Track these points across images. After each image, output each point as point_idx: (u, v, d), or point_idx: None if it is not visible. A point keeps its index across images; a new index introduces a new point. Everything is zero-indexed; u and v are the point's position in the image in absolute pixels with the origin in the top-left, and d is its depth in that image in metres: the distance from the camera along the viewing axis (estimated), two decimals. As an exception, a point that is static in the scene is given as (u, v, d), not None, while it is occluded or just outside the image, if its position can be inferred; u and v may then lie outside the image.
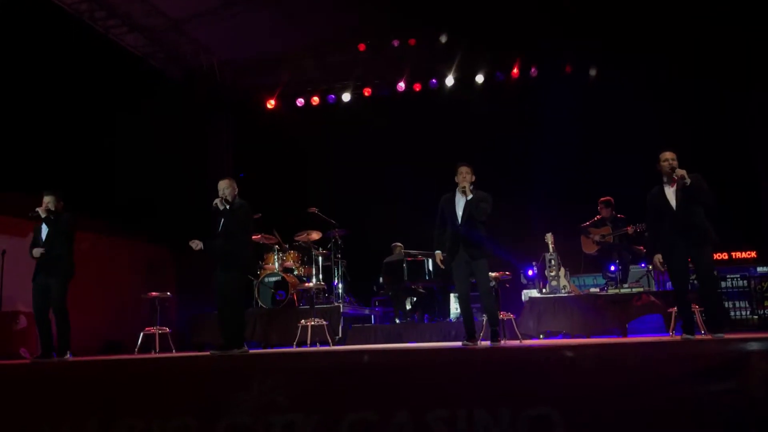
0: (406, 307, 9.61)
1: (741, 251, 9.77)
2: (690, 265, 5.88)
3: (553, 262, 8.33)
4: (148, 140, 10.21)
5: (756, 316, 8.38)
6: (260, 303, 9.17)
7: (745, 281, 8.59)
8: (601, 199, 8.88)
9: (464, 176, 6.19)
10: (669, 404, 3.57)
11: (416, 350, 5.42)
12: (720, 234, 5.81)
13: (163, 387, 4.29)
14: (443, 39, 10.73)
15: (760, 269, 9.16)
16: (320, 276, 9.53)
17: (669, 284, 7.17)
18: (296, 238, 9.69)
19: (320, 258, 9.58)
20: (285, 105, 11.88)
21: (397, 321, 9.30)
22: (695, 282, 6.53)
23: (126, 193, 10.02)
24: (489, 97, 10.94)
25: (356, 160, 11.03)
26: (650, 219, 6.05)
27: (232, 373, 4.27)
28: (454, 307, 9.66)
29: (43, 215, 6.65)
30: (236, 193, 6.47)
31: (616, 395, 3.66)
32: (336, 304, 9.04)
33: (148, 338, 7.97)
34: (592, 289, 8.51)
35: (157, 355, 7.40)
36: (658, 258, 5.88)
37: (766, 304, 8.39)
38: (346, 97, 11.64)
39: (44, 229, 6.70)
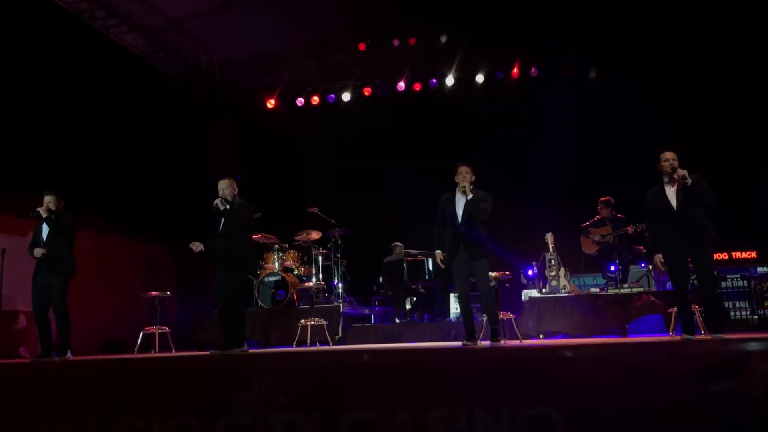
0: (405, 307, 9.61)
1: (741, 251, 9.78)
2: (690, 265, 5.88)
3: (553, 262, 8.33)
4: (148, 139, 10.21)
5: (756, 316, 8.38)
6: (260, 302, 9.17)
7: (745, 281, 8.60)
8: (601, 199, 8.88)
9: (464, 176, 6.19)
10: (669, 404, 3.57)
11: (416, 350, 5.42)
12: (720, 234, 5.81)
13: (163, 386, 4.29)
14: (443, 39, 10.74)
15: (760, 269, 9.16)
16: (320, 276, 9.53)
17: (669, 284, 7.18)
18: (296, 238, 9.69)
19: (320, 257, 9.58)
20: (285, 104, 11.88)
21: (397, 321, 9.30)
22: (695, 282, 6.54)
23: (126, 192, 10.01)
24: (489, 97, 10.94)
25: (356, 160, 11.02)
26: (650, 219, 6.05)
27: (232, 372, 4.27)
28: (454, 307, 9.66)
29: (44, 215, 6.64)
30: (236, 192, 6.47)
31: (616, 395, 3.66)
32: (336, 303, 9.04)
33: (148, 338, 7.97)
34: (592, 289, 8.51)
35: (157, 355, 7.40)
36: (658, 258, 5.88)
37: (766, 304, 8.40)
38: (346, 96, 11.64)
39: (45, 229, 6.69)
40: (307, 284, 9.02)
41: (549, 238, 8.40)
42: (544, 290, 8.43)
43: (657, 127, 9.72)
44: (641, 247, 8.53)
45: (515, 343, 7.04)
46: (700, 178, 5.69)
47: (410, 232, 9.78)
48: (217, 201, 6.34)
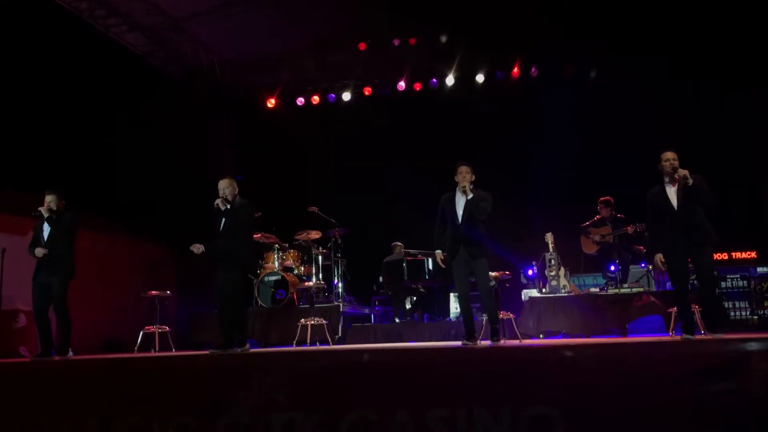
0: (405, 307, 9.61)
1: (741, 251, 9.78)
2: (690, 265, 5.89)
3: (553, 261, 8.33)
4: (148, 139, 10.21)
5: (756, 317, 8.39)
6: (260, 302, 9.17)
7: (745, 281, 8.60)
8: (601, 199, 8.88)
9: (464, 176, 6.19)
10: (669, 404, 3.57)
11: (416, 350, 5.42)
12: (720, 234, 5.81)
13: (163, 386, 4.29)
14: (444, 38, 10.73)
15: (760, 269, 9.16)
16: (320, 275, 9.53)
17: (669, 284, 7.18)
18: (296, 237, 9.69)
19: (320, 257, 9.58)
20: (285, 104, 11.87)
21: (397, 320, 9.30)
22: (695, 282, 6.54)
23: (126, 192, 10.01)
24: (489, 97, 10.93)
25: (356, 160, 11.02)
26: (650, 218, 6.06)
27: (232, 371, 4.27)
28: (454, 307, 9.66)
29: (45, 215, 6.63)
30: (237, 192, 6.47)
31: (616, 395, 3.66)
32: (336, 303, 9.04)
33: (148, 337, 7.97)
34: (592, 289, 8.52)
35: (157, 354, 7.39)
36: (659, 257, 5.87)
37: (766, 305, 8.40)
38: (347, 96, 11.63)
39: (46, 228, 6.67)
40: (307, 284, 9.01)
41: (549, 238, 8.40)
42: (544, 290, 8.43)
43: (657, 127, 9.72)
44: (641, 247, 8.53)
45: (515, 342, 7.04)
46: (701, 178, 5.70)
47: (410, 232, 9.79)
48: (218, 201, 6.34)
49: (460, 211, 6.17)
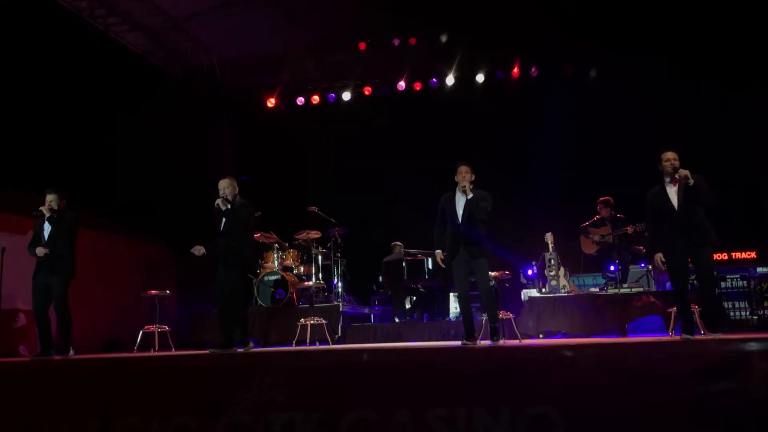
0: (405, 306, 9.61)
1: (741, 251, 9.78)
2: (690, 265, 5.89)
3: (552, 261, 8.33)
4: (148, 138, 10.19)
5: (756, 317, 8.39)
6: (260, 302, 9.17)
7: (744, 281, 8.60)
8: (601, 199, 8.89)
9: (464, 175, 6.20)
10: (669, 404, 3.57)
11: (416, 349, 5.42)
12: (720, 234, 5.82)
13: (162, 385, 4.29)
14: (444, 38, 10.73)
15: (759, 269, 9.15)
16: (320, 275, 9.53)
17: (669, 284, 7.18)
18: (296, 237, 9.69)
19: (320, 257, 9.58)
20: (285, 104, 11.87)
21: (397, 320, 9.30)
22: (695, 282, 6.54)
23: (126, 191, 10.00)
24: (489, 97, 10.93)
25: (356, 159, 11.02)
26: (650, 218, 6.06)
27: (231, 371, 4.27)
28: (454, 307, 9.66)
29: (47, 214, 6.63)
30: (237, 192, 6.47)
31: (615, 395, 3.66)
32: (335, 302, 9.04)
33: (148, 336, 7.97)
34: (592, 289, 8.52)
35: (157, 354, 7.39)
36: (659, 257, 5.87)
37: (765, 305, 8.40)
38: (347, 96, 11.63)
39: (47, 228, 6.66)
40: (306, 283, 9.02)
41: (549, 237, 8.40)
42: (543, 290, 8.43)
43: (657, 127, 9.73)
44: (641, 247, 8.53)
45: (515, 342, 7.04)
46: (701, 178, 5.70)
47: (410, 232, 9.78)
48: (219, 201, 6.34)
49: (460, 211, 6.17)
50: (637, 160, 7.78)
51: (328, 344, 8.09)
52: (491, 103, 10.75)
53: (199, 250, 6.45)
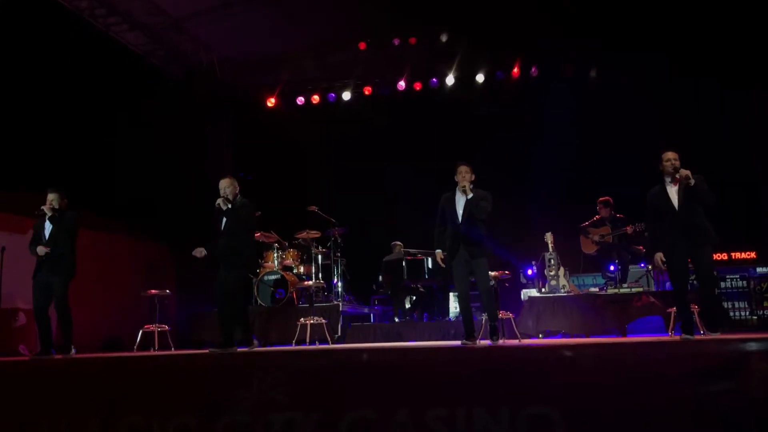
0: (405, 306, 9.61)
1: (741, 251, 9.78)
2: (690, 265, 5.89)
3: (552, 261, 8.33)
4: (148, 138, 10.20)
5: (755, 317, 8.39)
6: (259, 301, 9.17)
7: (744, 282, 8.60)
8: (600, 199, 8.89)
9: (464, 175, 6.20)
10: (669, 404, 3.57)
11: (415, 349, 5.41)
12: (720, 234, 5.82)
13: (162, 385, 4.29)
14: (444, 38, 10.73)
15: (759, 270, 9.16)
16: (320, 274, 9.53)
17: (668, 284, 7.18)
18: (296, 237, 9.69)
19: (320, 256, 9.58)
20: (285, 103, 11.88)
21: (397, 320, 9.30)
22: (695, 282, 6.54)
23: (126, 191, 10.01)
24: (489, 97, 10.94)
25: (356, 159, 11.02)
26: (650, 218, 6.06)
27: (231, 371, 4.27)
28: (454, 306, 9.66)
29: (48, 214, 6.63)
30: (237, 191, 6.46)
31: (615, 395, 3.66)
32: (335, 302, 9.04)
33: (148, 336, 7.97)
34: (592, 289, 8.52)
35: (157, 353, 7.40)
36: (659, 256, 5.86)
37: (765, 305, 8.41)
38: (347, 95, 11.63)
39: (47, 227, 6.66)
40: (306, 283, 9.02)
41: (548, 237, 8.40)
42: (543, 290, 8.43)
43: (657, 127, 9.73)
44: (641, 247, 8.54)
45: (514, 342, 7.04)
46: (702, 179, 5.71)
47: (410, 232, 9.79)
48: (219, 201, 6.33)
49: (460, 211, 6.17)
50: (637, 160, 7.79)
51: (328, 344, 8.09)
52: (491, 103, 10.76)
53: (200, 252, 6.44)
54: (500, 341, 6.48)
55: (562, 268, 8.35)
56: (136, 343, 7.95)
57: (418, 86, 11.40)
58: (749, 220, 9.98)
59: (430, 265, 9.08)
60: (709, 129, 9.90)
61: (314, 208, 9.39)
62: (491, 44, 10.63)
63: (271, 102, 11.85)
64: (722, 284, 8.54)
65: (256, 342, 6.52)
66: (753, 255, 9.74)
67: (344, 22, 10.46)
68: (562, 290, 8.23)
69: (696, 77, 9.96)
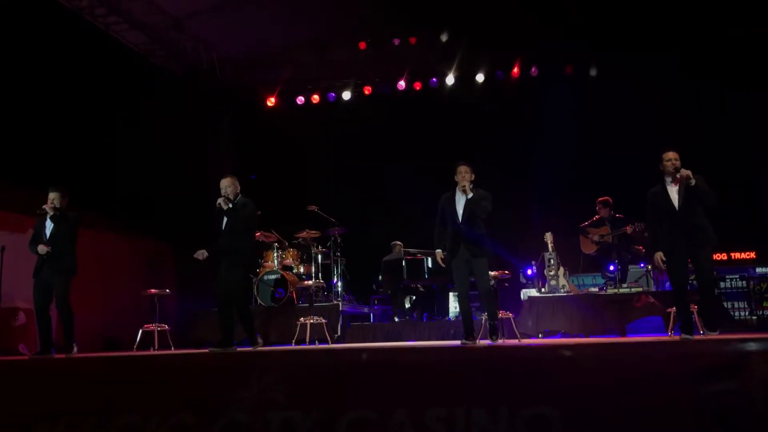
0: (405, 306, 9.61)
1: (740, 252, 9.77)
2: (690, 266, 5.89)
3: (552, 261, 8.33)
4: (148, 137, 10.20)
5: (755, 317, 8.39)
6: (259, 301, 9.17)
7: (744, 282, 8.60)
8: (599, 199, 8.88)
9: (463, 175, 6.20)
10: (668, 404, 3.57)
11: (415, 349, 5.42)
12: (720, 234, 5.82)
13: (161, 384, 4.29)
14: (444, 38, 10.72)
15: (759, 270, 9.16)
16: (319, 274, 9.53)
17: (668, 284, 7.18)
18: (296, 236, 9.69)
19: (320, 256, 9.58)
20: (285, 103, 11.87)
21: (396, 319, 9.30)
22: (694, 282, 6.54)
23: (126, 189, 10.01)
24: (489, 97, 10.94)
25: (356, 159, 11.02)
26: (650, 218, 6.05)
27: (230, 370, 4.27)
28: (453, 306, 9.67)
29: (50, 213, 6.62)
30: (238, 190, 6.46)
31: (615, 395, 3.65)
32: (335, 302, 9.04)
33: (147, 335, 7.97)
34: (591, 289, 8.52)
35: (156, 352, 7.40)
36: (659, 256, 5.85)
37: (765, 305, 8.41)
38: (347, 95, 11.63)
39: (48, 226, 6.65)
40: (306, 283, 9.01)
41: (548, 237, 8.40)
42: (543, 290, 8.43)
43: (657, 127, 9.73)
44: (640, 247, 8.53)
45: (514, 342, 7.04)
46: (702, 179, 5.70)
47: (410, 232, 9.79)
48: (220, 200, 6.32)
49: (460, 211, 6.18)
50: (637, 160, 7.79)
51: (328, 343, 8.09)
52: (491, 103, 10.76)
53: (202, 254, 6.41)
54: (500, 341, 6.48)
55: (561, 268, 8.35)
56: (136, 343, 7.95)
57: (418, 86, 11.40)
58: (749, 221, 9.98)
59: (430, 265, 9.08)
60: (709, 129, 9.89)
61: (314, 207, 9.40)
62: (491, 44, 10.62)
63: (271, 101, 11.85)
64: (722, 284, 8.55)
65: (260, 341, 6.51)
66: (753, 255, 9.74)
67: (344, 21, 10.45)
68: (562, 290, 8.23)
69: (696, 77, 9.96)
